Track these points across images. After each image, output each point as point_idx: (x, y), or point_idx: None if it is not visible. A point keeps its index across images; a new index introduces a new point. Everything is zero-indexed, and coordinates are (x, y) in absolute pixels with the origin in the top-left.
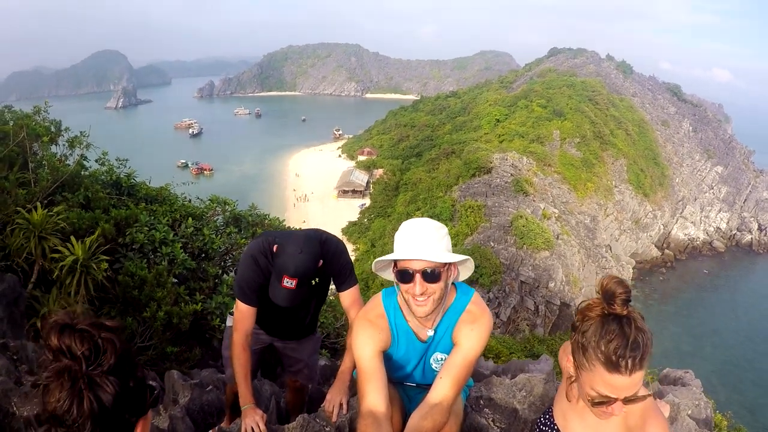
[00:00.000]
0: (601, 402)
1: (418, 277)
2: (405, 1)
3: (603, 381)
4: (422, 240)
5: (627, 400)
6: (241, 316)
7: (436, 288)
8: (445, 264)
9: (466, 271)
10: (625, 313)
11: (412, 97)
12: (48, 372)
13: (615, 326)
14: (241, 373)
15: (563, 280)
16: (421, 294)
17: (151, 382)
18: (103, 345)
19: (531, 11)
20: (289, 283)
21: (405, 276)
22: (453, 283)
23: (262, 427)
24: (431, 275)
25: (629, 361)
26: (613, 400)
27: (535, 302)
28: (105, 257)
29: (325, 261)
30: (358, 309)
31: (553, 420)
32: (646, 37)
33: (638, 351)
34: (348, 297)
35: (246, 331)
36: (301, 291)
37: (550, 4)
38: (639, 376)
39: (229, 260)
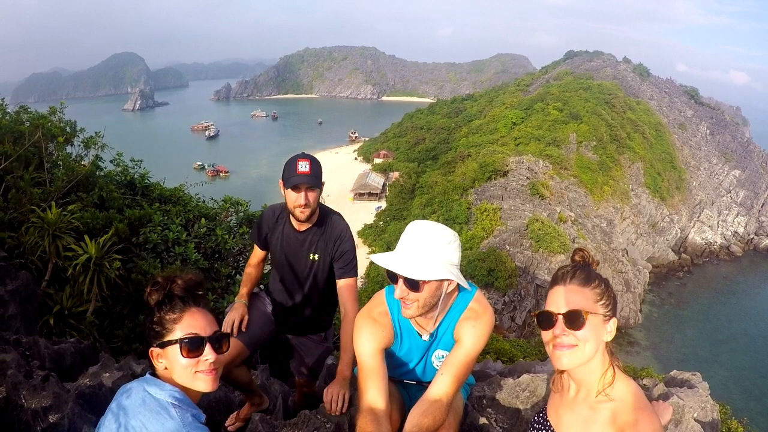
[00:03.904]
0: (544, 320)
1: (401, 281)
2: (421, 4)
3: (546, 299)
4: (414, 249)
5: (568, 316)
6: (252, 254)
7: (417, 297)
8: None
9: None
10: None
11: (428, 100)
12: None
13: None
14: (244, 281)
15: None
16: (401, 298)
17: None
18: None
19: (547, 12)
20: (303, 166)
21: (392, 277)
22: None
23: (236, 325)
24: (412, 284)
25: (567, 270)
26: (555, 317)
27: None
28: (118, 256)
29: (327, 228)
30: (352, 302)
31: (546, 417)
32: (662, 39)
33: (580, 270)
34: (345, 288)
35: (255, 265)
36: (315, 178)
37: (566, 5)
38: (577, 289)
39: (242, 261)
